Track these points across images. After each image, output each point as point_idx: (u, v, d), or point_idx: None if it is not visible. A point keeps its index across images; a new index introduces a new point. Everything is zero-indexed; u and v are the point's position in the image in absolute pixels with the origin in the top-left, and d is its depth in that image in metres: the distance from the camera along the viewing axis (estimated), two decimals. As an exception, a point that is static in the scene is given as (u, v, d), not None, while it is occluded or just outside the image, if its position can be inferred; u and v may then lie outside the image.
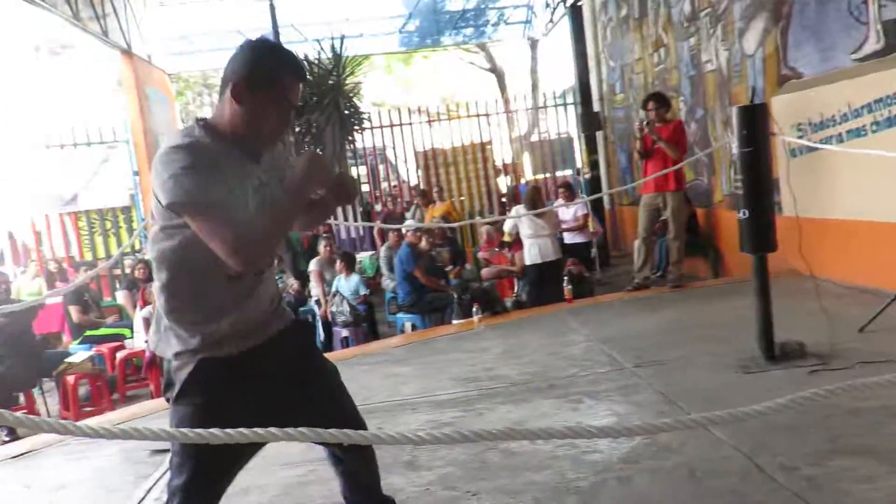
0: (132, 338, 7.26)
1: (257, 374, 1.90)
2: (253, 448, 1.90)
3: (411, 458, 3.29)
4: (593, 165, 11.10)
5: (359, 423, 2.06)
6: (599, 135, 11.56)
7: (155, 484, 3.32)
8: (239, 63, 1.84)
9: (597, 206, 10.69)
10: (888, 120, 5.28)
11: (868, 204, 5.59)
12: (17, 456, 3.91)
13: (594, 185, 11.03)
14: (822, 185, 6.05)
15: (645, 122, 6.55)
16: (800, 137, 6.20)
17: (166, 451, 3.71)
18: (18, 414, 1.39)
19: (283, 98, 1.85)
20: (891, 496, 2.45)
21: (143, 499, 3.18)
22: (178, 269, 1.83)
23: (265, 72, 1.83)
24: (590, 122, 10.90)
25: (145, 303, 6.94)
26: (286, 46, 2.05)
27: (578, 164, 12.83)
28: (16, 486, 3.45)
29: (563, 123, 13.13)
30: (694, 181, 8.53)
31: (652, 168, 6.54)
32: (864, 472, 2.63)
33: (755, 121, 3.95)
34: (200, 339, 1.84)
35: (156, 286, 1.90)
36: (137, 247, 10.23)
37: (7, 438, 5.53)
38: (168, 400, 1.91)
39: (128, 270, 8.99)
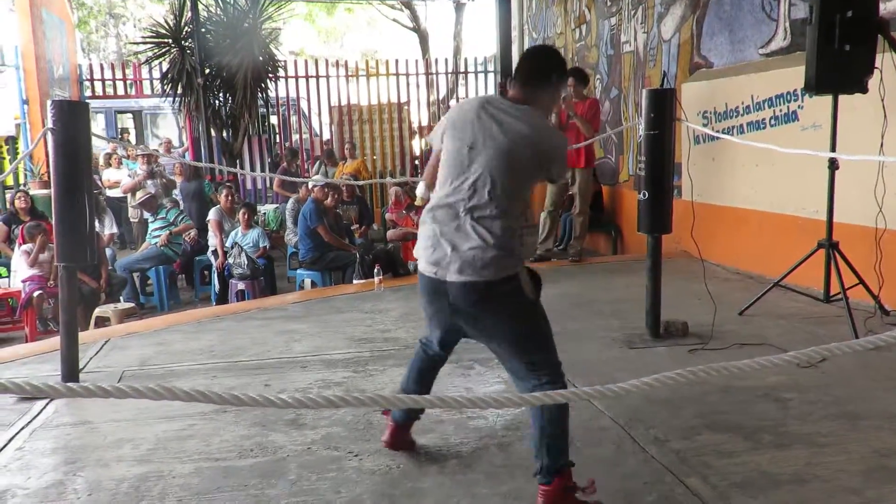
0: (8, 276, 6.81)
1: None
2: None
3: (296, 415, 3.23)
4: (508, 136, 11.10)
5: None
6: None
7: (18, 433, 3.11)
8: None
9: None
10: (786, 115, 5.52)
11: (758, 194, 5.86)
12: None
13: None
14: (719, 173, 6.30)
15: (562, 97, 6.60)
16: (704, 125, 6.41)
17: (33, 398, 3.50)
18: None
19: None
20: (748, 470, 2.59)
21: (2, 448, 2.97)
22: None
23: None
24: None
25: (24, 239, 6.47)
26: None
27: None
28: None
29: (483, 90, 13.10)
30: (602, 159, 8.71)
31: (563, 143, 6.61)
32: (728, 448, 2.77)
33: (663, 105, 4.05)
34: None
35: None
36: (22, 180, 9.52)
37: None
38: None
39: (8, 205, 8.37)
